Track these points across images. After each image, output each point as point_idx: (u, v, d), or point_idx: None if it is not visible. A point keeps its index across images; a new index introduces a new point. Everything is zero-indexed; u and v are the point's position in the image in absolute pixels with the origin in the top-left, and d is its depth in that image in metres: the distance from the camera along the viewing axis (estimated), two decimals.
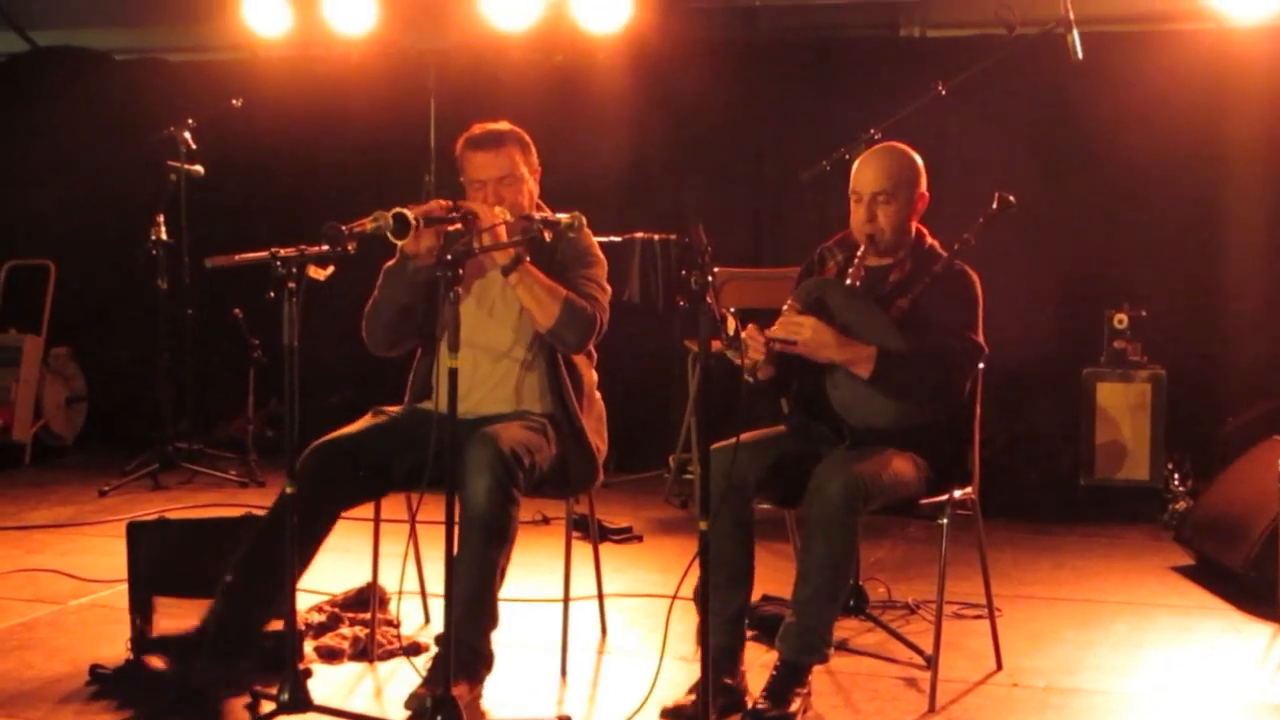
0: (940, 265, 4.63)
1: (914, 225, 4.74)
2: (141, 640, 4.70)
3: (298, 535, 4.32)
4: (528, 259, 4.61)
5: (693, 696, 4.25)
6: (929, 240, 4.77)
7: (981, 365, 4.67)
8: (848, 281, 4.57)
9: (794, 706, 4.30)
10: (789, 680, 4.34)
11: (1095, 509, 7.41)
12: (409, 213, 4.25)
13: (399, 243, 4.35)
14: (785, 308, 4.52)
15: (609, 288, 4.91)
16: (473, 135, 4.89)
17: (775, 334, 4.44)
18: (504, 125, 4.93)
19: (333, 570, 5.40)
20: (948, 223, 4.75)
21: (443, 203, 4.59)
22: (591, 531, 5.28)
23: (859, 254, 4.63)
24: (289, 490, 4.22)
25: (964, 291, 4.63)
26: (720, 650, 4.41)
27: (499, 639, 4.54)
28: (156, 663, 4.62)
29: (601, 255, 4.94)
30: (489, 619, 4.47)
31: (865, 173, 4.69)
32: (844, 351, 4.44)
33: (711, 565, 4.15)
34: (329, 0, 8.53)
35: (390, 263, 4.74)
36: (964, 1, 8.68)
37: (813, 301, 4.54)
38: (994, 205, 4.70)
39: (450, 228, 4.49)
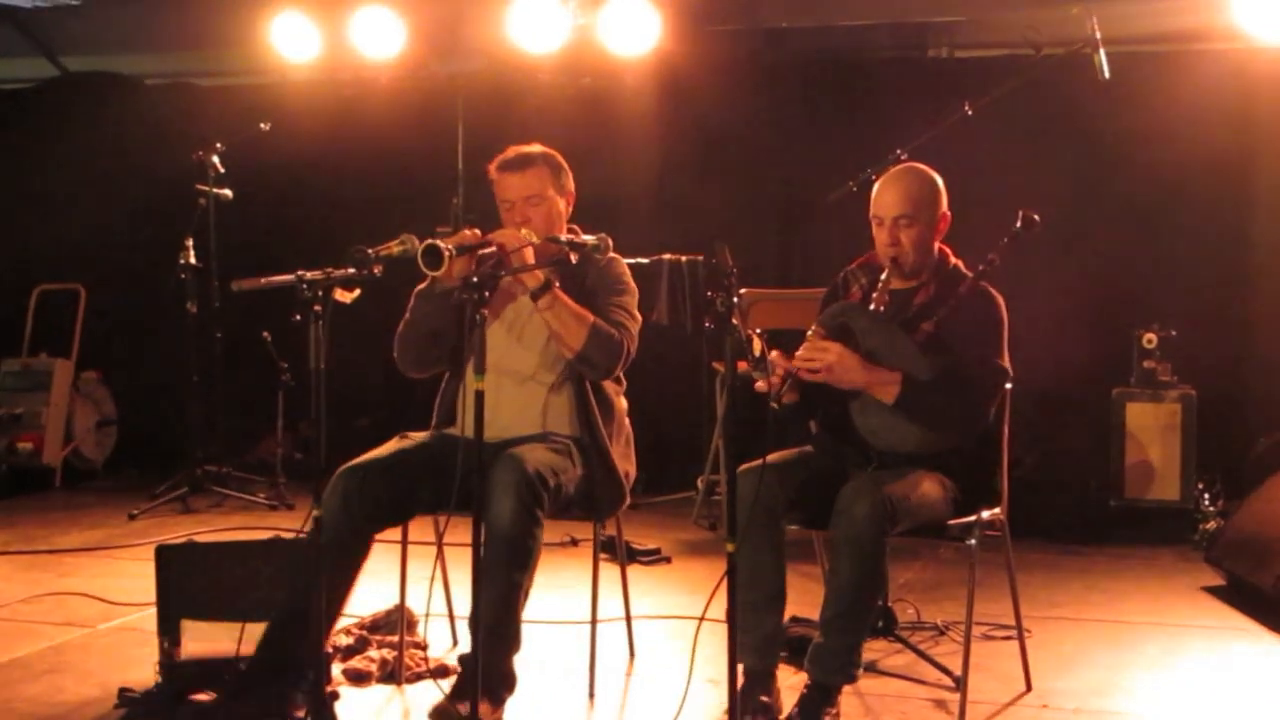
0: (965, 287, 4.61)
1: (937, 246, 4.73)
2: (170, 664, 4.70)
3: (335, 563, 4.35)
4: (557, 285, 4.62)
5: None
6: (953, 260, 4.75)
7: (1009, 386, 4.65)
8: (872, 306, 4.56)
9: None
10: (818, 701, 4.33)
11: (1125, 530, 7.37)
12: (441, 244, 4.26)
13: (432, 274, 4.36)
14: (809, 334, 4.51)
15: (639, 317, 4.90)
16: (503, 157, 4.93)
17: (801, 362, 4.43)
18: (536, 148, 4.96)
19: (360, 593, 5.40)
20: (975, 243, 4.73)
21: (474, 232, 4.60)
22: (619, 553, 5.28)
23: (883, 277, 4.62)
24: (316, 513, 4.23)
25: (988, 315, 4.61)
26: (755, 672, 4.42)
27: (526, 659, 4.55)
28: (203, 697, 4.62)
29: (633, 284, 4.94)
30: (512, 640, 4.48)
31: (886, 196, 4.67)
32: (869, 377, 4.43)
33: (746, 586, 4.17)
34: (357, 25, 8.55)
35: (422, 285, 4.76)
36: (991, 22, 8.68)
37: (837, 327, 4.53)
38: (1018, 224, 4.69)
39: (483, 251, 4.48)
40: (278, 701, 4.42)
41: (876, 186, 4.75)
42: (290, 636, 4.47)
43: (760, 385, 4.26)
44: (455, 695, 4.41)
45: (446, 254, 4.27)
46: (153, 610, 4.88)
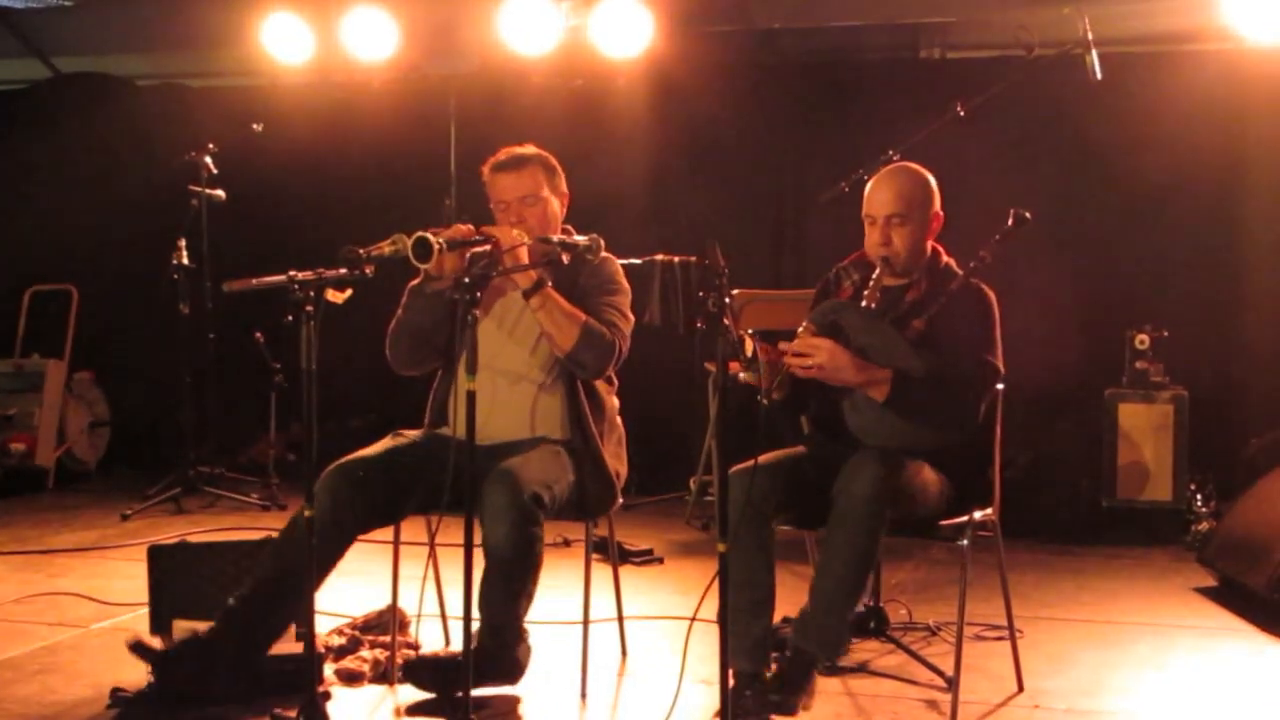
0: (956, 284, 4.61)
1: (929, 245, 4.73)
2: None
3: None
4: (549, 283, 4.62)
5: None
6: (944, 259, 4.75)
7: (1001, 386, 4.64)
8: (863, 303, 4.55)
9: (799, 698, 4.30)
10: (799, 669, 4.34)
11: (1117, 530, 7.38)
12: (431, 237, 4.26)
13: (422, 267, 4.36)
14: (800, 330, 4.50)
15: (631, 316, 4.91)
16: (497, 158, 4.95)
17: (792, 359, 4.43)
18: (530, 148, 4.97)
19: (353, 593, 5.42)
20: (966, 244, 4.73)
21: (467, 227, 4.60)
22: (611, 553, 5.29)
23: (874, 275, 4.62)
24: (307, 514, 4.22)
25: (980, 311, 4.61)
26: (745, 674, 4.41)
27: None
28: (155, 642, 4.66)
29: (626, 284, 4.95)
30: (515, 635, 4.56)
31: (879, 195, 4.67)
32: (860, 375, 4.42)
33: (736, 589, 4.15)
34: (349, 26, 8.56)
35: (415, 282, 4.76)
36: (983, 23, 8.70)
37: (828, 324, 4.53)
38: (1010, 222, 4.69)
39: (476, 249, 4.48)
40: (232, 688, 4.49)
41: (870, 185, 4.75)
42: (244, 627, 4.53)
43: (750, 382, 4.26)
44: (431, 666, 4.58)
45: (436, 247, 4.26)
46: (145, 610, 4.89)
